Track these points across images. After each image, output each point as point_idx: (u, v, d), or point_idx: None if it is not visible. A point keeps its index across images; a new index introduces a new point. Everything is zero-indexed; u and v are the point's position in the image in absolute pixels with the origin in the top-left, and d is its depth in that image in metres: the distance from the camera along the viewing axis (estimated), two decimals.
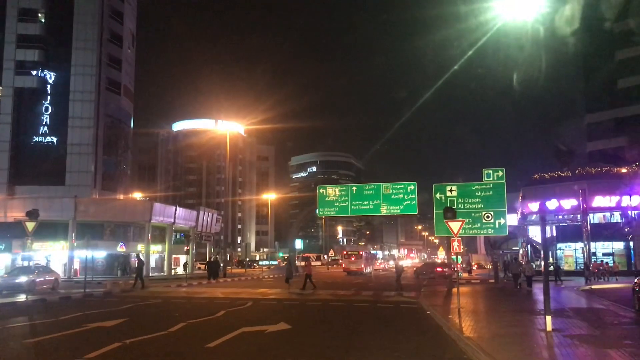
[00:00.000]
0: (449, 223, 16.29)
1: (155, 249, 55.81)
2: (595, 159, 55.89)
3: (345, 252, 65.20)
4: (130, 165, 68.29)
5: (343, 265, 61.25)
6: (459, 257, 62.79)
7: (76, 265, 48.84)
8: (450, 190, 26.82)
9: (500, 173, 26.85)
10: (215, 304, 18.61)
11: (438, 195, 27.26)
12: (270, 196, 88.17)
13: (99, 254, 49.48)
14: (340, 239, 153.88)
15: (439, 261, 79.14)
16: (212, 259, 49.95)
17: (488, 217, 26.30)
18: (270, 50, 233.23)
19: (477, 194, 26.42)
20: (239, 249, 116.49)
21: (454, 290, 25.58)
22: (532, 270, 29.15)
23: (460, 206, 25.92)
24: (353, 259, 59.34)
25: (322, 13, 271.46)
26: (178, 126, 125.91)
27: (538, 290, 26.12)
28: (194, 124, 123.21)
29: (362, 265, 58.06)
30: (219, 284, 35.15)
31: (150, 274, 51.57)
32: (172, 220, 54.84)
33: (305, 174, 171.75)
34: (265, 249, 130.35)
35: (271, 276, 47.01)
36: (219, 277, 42.27)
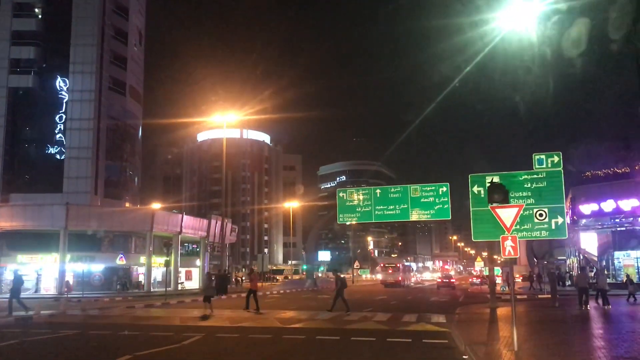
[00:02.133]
0: (496, 210, 10.57)
1: (161, 261, 50.93)
2: None
3: (383, 265, 67.39)
4: (140, 172, 63.68)
5: (381, 278, 62.66)
6: (497, 268, 56.79)
7: (70, 279, 43.97)
8: (492, 182, 20.54)
9: (556, 158, 20.38)
10: (144, 339, 12.95)
11: (475, 189, 21.03)
12: (292, 204, 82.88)
13: (96, 267, 45.04)
14: (372, 251, 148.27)
15: (475, 273, 73.07)
16: (221, 273, 45.54)
17: (541, 215, 19.92)
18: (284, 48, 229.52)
19: (526, 185, 20.13)
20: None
21: (500, 311, 19.82)
22: (605, 282, 22.78)
23: None
24: (390, 271, 61.12)
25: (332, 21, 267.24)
26: (202, 136, 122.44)
27: (614, 312, 19.94)
28: (218, 134, 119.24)
29: (400, 278, 58.71)
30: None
31: (154, 289, 46.83)
32: (179, 229, 49.86)
33: (334, 184, 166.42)
34: (294, 261, 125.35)
35: (281, 291, 41.40)
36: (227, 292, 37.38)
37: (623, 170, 41.91)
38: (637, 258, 42.15)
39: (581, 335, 13.64)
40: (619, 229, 43.47)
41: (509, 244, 10.52)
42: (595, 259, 47.36)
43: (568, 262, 54.53)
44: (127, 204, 54.61)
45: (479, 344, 11.18)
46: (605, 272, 42.78)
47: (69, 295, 34.54)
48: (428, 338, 13.33)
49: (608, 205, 41.33)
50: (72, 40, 50.79)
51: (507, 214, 10.64)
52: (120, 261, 43.04)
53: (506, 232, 10.84)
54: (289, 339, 13.24)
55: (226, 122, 38.87)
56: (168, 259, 34.43)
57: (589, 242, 49.43)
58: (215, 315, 19.14)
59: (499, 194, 10.69)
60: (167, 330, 14.80)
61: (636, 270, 41.77)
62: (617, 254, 43.27)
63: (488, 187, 10.78)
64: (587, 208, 42.59)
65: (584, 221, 43.90)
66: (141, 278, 48.64)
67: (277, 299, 31.20)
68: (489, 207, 11.04)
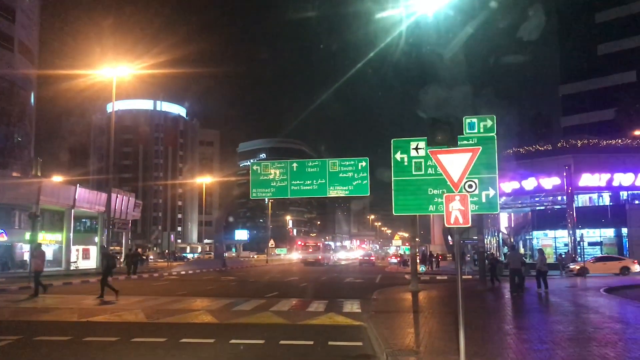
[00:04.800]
0: (439, 157, 7.56)
1: (52, 238, 45.69)
2: (572, 135, 48.61)
3: (303, 243, 65.85)
4: (33, 140, 57.04)
5: (300, 257, 62.10)
6: (405, 246, 55.25)
7: None
8: (417, 148, 17.67)
9: (490, 122, 17.55)
10: None
11: (399, 156, 17.96)
12: (205, 180, 78.33)
13: None
14: (291, 230, 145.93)
15: (391, 252, 72.01)
16: (131, 251, 42.37)
17: (471, 186, 17.05)
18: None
19: None
20: (179, 240, 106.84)
21: (423, 296, 17.01)
22: (545, 263, 20.63)
23: (430, 171, 17.00)
24: (310, 250, 60.78)
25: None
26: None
27: (555, 298, 17.65)
28: (130, 105, 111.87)
29: (320, 257, 58.41)
30: (77, 286, 25.41)
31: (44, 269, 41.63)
32: (71, 203, 44.56)
33: (254, 161, 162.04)
34: (208, 240, 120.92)
35: (182, 272, 37.50)
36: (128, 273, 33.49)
37: (545, 147, 40.83)
38: (554, 238, 41.42)
39: (542, 338, 10.49)
40: (538, 207, 42.64)
41: (456, 206, 7.44)
42: (511, 239, 46.59)
43: (485, 242, 53.76)
44: (15, 174, 48.55)
45: (405, 353, 8.08)
46: (522, 251, 41.88)
47: None
48: (336, 338, 10.05)
49: (529, 184, 40.35)
50: None
51: (455, 163, 7.61)
52: (1, 237, 38.11)
53: (453, 190, 7.79)
54: (142, 344, 9.56)
55: (117, 76, 34.04)
56: (33, 233, 29.81)
57: (503, 221, 48.66)
58: (64, 307, 15.20)
59: (444, 133, 7.55)
60: None
61: (554, 250, 41.05)
62: (535, 233, 42.42)
63: (429, 124, 7.74)
64: (508, 186, 41.43)
65: (503, 199, 42.74)
66: (27, 257, 43.21)
67: (171, 282, 27.36)
68: (429, 152, 8.01)
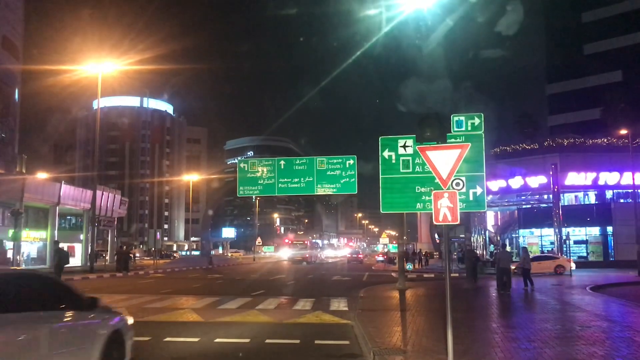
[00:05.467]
0: (428, 154, 7.44)
1: (36, 235, 45.21)
2: (558, 135, 48.99)
3: (290, 241, 68.50)
4: (18, 136, 56.35)
5: (287, 255, 62.67)
6: (390, 244, 55.24)
7: None
8: (404, 146, 17.61)
9: (477, 120, 17.55)
10: None
11: (386, 154, 17.90)
12: (192, 177, 77.88)
13: None
14: (279, 227, 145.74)
15: (378, 251, 72.28)
16: (122, 248, 42.79)
17: (458, 184, 17.04)
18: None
19: None
20: (165, 238, 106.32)
21: (410, 294, 16.97)
22: (529, 262, 20.73)
23: (418, 169, 16.99)
24: (298, 248, 63.49)
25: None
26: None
27: (541, 296, 17.69)
28: (116, 101, 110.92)
29: (307, 255, 58.92)
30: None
31: (27, 266, 41.18)
32: (56, 200, 44.14)
33: (241, 159, 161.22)
34: (195, 238, 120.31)
35: (168, 270, 37.28)
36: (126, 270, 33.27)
37: (532, 146, 41.08)
38: (540, 236, 41.67)
39: (530, 336, 10.48)
40: (524, 206, 42.83)
41: (444, 203, 7.33)
42: (498, 237, 46.82)
43: (472, 240, 53.98)
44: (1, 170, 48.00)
45: (392, 352, 8.00)
46: (509, 249, 42.00)
47: None
48: (323, 337, 9.96)
49: (516, 182, 40.53)
50: None
51: (443, 159, 7.49)
52: None
53: (441, 187, 7.69)
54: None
55: (102, 72, 33.83)
56: (16, 231, 29.48)
57: (489, 220, 48.91)
58: None
59: (433, 129, 7.45)
60: None
61: (540, 249, 41.31)
62: (521, 231, 42.68)
63: (418, 120, 7.63)
64: (494, 184, 41.59)
65: (490, 197, 42.95)
66: (10, 254, 42.67)
67: (156, 280, 27.17)
68: (417, 149, 7.93)
